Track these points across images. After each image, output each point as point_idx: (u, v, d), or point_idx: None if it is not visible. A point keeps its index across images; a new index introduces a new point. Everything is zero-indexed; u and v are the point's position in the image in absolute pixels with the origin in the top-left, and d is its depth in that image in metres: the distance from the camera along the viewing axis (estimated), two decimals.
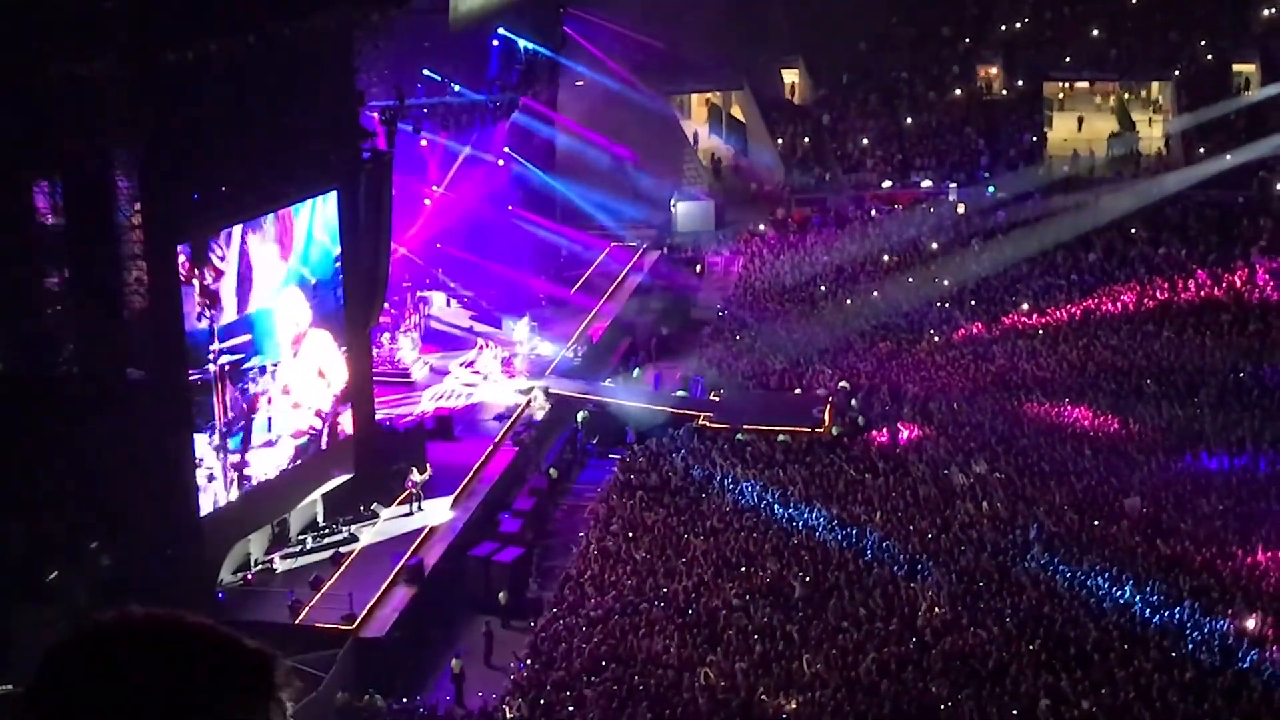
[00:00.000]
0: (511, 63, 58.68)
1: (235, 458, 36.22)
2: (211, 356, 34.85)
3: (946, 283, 56.42)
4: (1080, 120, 74.32)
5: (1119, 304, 53.27)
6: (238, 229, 35.45)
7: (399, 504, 40.41)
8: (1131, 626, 32.68)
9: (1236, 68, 74.41)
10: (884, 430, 43.95)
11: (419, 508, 40.36)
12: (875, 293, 56.36)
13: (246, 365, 36.29)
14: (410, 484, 40.51)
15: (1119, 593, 33.77)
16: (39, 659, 2.96)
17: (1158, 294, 53.69)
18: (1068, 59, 77.34)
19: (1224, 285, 54.00)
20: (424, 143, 52.35)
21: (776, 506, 39.02)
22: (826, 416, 44.79)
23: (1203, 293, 53.62)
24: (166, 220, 33.05)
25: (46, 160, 32.17)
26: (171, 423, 34.12)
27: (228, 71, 33.74)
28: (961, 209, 65.05)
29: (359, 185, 39.67)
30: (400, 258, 50.41)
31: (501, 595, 36.94)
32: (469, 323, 54.33)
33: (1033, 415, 44.64)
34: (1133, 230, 60.15)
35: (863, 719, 29.97)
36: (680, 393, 48.33)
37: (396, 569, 37.04)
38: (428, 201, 55.80)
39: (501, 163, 59.96)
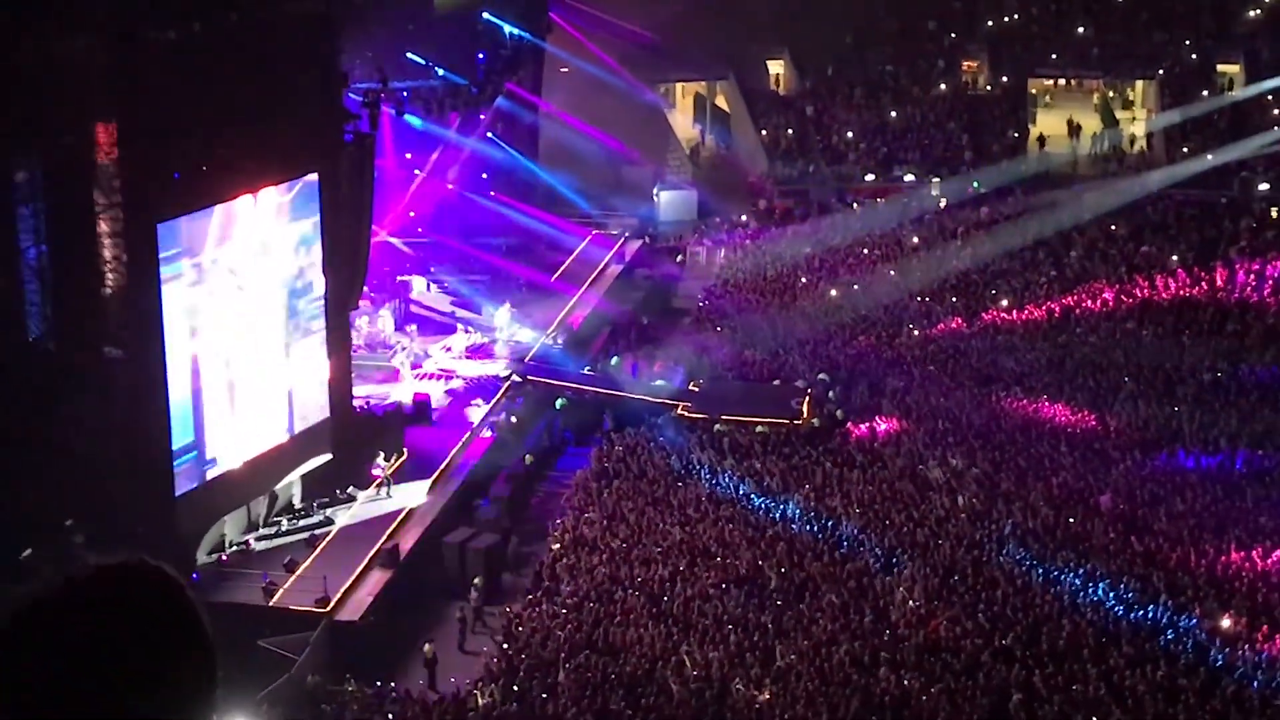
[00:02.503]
0: (496, 47, 58.53)
1: (217, 436, 36.16)
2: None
3: (927, 277, 56.44)
4: (1070, 122, 74.30)
5: (1099, 301, 53.33)
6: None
7: (375, 488, 40.40)
8: (1105, 623, 32.71)
9: (1220, 68, 74.61)
10: (862, 423, 43.99)
11: (388, 494, 40.31)
12: (855, 286, 56.39)
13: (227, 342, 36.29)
14: (379, 469, 40.46)
15: (1093, 589, 33.83)
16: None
17: (1138, 292, 53.78)
18: (1053, 56, 77.49)
19: (1204, 285, 54.09)
20: (407, 126, 52.19)
21: (753, 497, 39.04)
22: (805, 408, 44.77)
23: (1182, 292, 53.71)
24: (146, 199, 32.93)
25: (26, 138, 32.00)
26: (148, 401, 34.01)
27: (210, 51, 33.60)
28: (944, 203, 65.17)
29: (341, 167, 39.56)
30: (381, 242, 50.35)
31: (477, 580, 36.88)
32: (449, 308, 54.31)
33: (1011, 411, 44.67)
34: (1114, 228, 60.28)
35: (835, 710, 29.98)
36: (659, 382, 48.29)
37: (372, 553, 36.98)
38: (411, 185, 55.68)
39: (484, 148, 59.86)
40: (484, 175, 60.38)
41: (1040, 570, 34.77)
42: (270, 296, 37.85)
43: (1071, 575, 34.39)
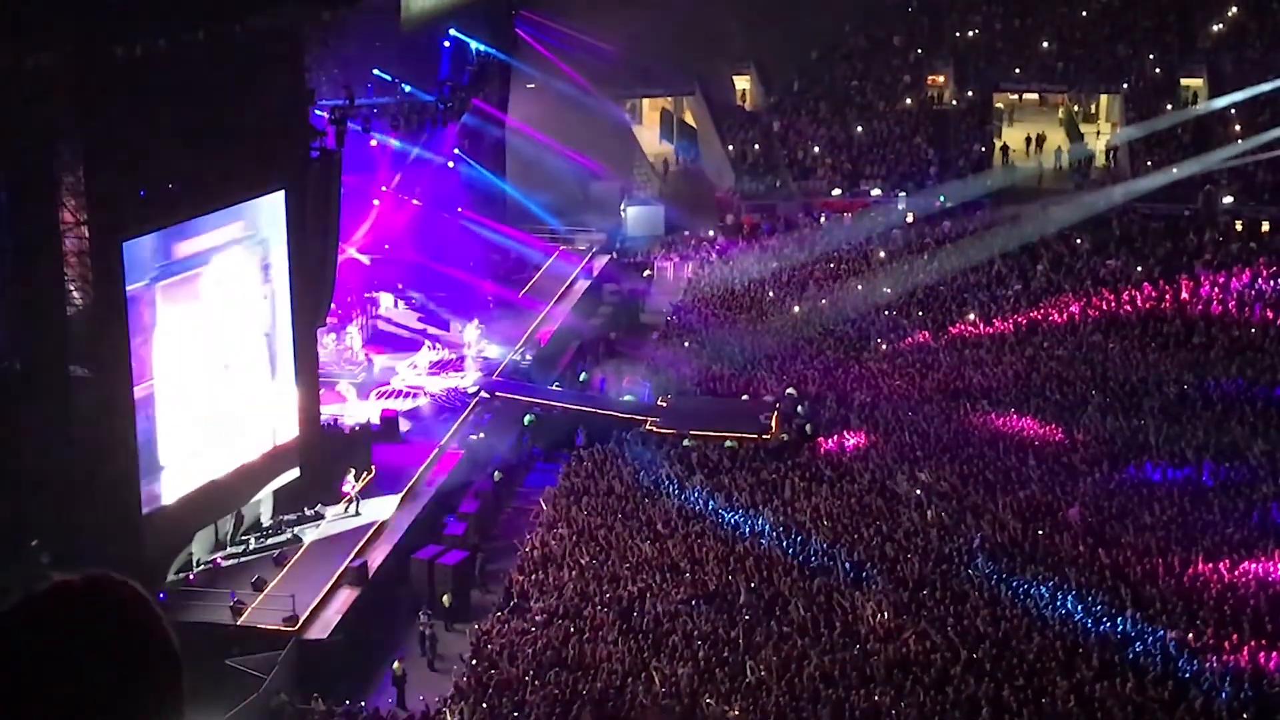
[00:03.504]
0: (463, 64, 58.48)
1: (184, 455, 35.98)
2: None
3: (894, 291, 56.62)
4: (1039, 136, 74.67)
5: (1065, 314, 53.55)
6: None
7: (343, 505, 40.24)
8: (1073, 636, 32.81)
9: (1184, 81, 75.08)
10: (831, 438, 44.05)
11: (356, 512, 40.14)
12: (824, 300, 56.52)
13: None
14: (348, 485, 40.28)
15: (1062, 602, 33.93)
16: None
17: (1104, 305, 54.02)
18: (1017, 70, 77.87)
19: (1169, 298, 54.38)
20: (374, 143, 52.08)
21: (722, 512, 39.03)
22: (773, 423, 44.82)
23: (1148, 305, 53.98)
24: (111, 217, 32.78)
25: None
26: (114, 420, 33.83)
27: (176, 67, 33.46)
28: (910, 218, 65.38)
29: (307, 184, 39.47)
30: (348, 259, 50.22)
31: (445, 598, 36.78)
32: (417, 324, 54.20)
33: (978, 424, 44.80)
34: (1079, 241, 60.58)
35: None
36: (628, 397, 48.29)
37: (340, 570, 36.83)
38: (376, 202, 55.59)
39: (451, 164, 59.81)
40: (451, 192, 60.28)
41: (1009, 584, 34.85)
42: (237, 313, 37.71)
43: (1040, 588, 34.48)
